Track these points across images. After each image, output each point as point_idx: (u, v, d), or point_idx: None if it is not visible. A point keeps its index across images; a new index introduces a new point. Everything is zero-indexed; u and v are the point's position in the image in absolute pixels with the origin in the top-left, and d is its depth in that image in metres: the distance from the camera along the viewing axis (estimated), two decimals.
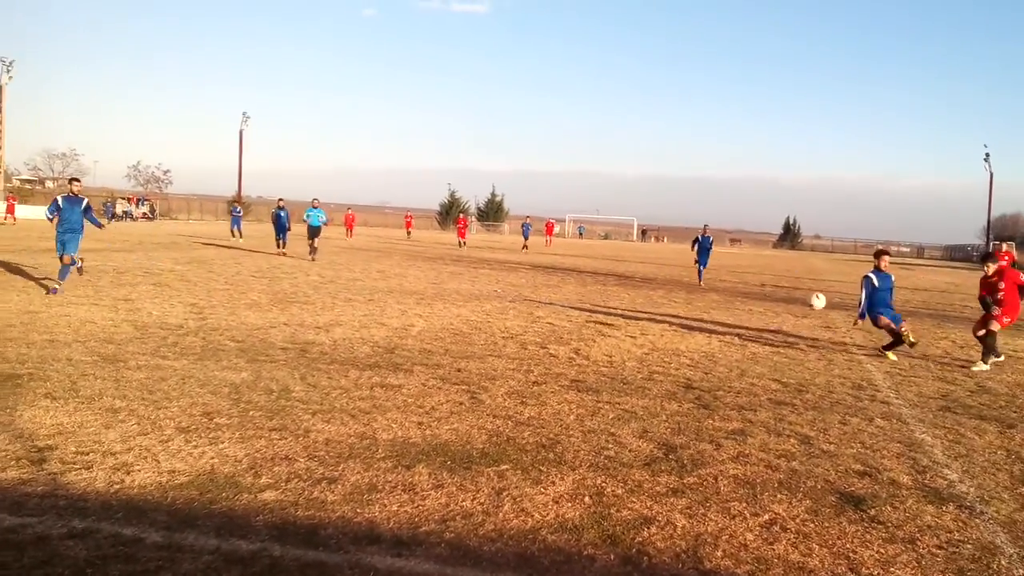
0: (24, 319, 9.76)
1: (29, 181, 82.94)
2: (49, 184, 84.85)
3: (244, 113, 73.37)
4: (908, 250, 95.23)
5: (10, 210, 42.88)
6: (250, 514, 4.07)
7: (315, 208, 24.63)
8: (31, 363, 7.28)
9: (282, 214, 26.37)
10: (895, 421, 6.78)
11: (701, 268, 23.15)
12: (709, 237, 23.40)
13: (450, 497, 4.44)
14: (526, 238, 42.47)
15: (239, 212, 35.56)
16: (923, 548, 4.08)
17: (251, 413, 5.98)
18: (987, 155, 68.19)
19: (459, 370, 8.07)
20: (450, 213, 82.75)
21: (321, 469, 4.80)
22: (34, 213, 50.47)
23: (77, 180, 14.52)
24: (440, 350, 9.20)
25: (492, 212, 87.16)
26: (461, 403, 6.64)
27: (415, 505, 4.30)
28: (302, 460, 4.95)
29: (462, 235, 41.71)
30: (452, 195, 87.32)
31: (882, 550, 4.02)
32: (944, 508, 4.67)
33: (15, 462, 4.67)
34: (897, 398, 7.78)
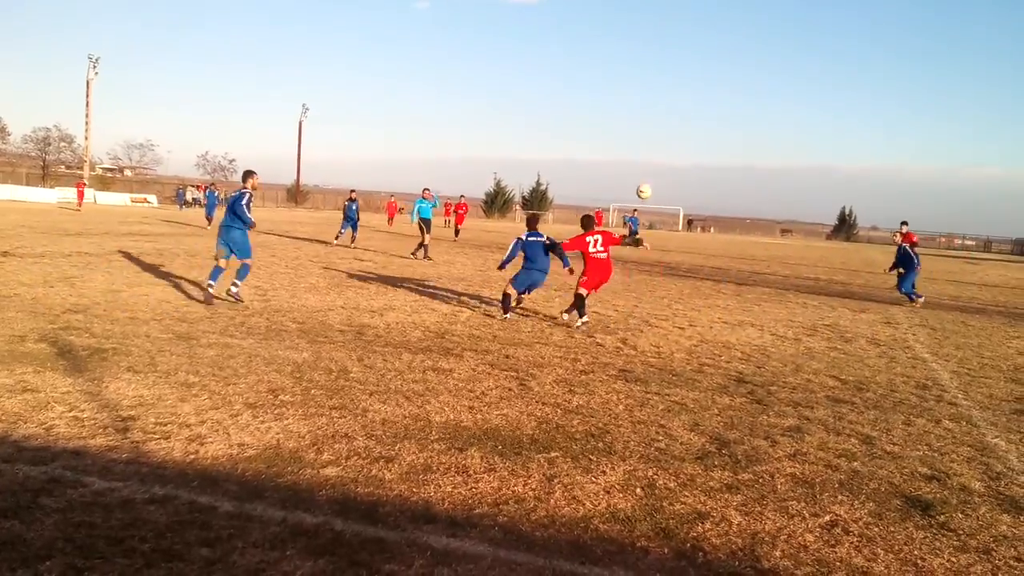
0: (108, 298, 10.20)
1: (110, 170, 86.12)
2: (128, 173, 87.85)
3: (303, 105, 74.98)
4: (974, 243, 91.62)
5: (80, 197, 43.81)
6: (313, 488, 4.17)
7: (425, 199, 21.93)
8: (115, 339, 7.62)
9: (353, 206, 24.45)
10: (964, 423, 6.53)
11: None
12: None
13: (502, 481, 4.46)
14: (635, 232, 35.65)
15: (215, 197, 30.69)
16: (999, 559, 3.91)
17: (312, 392, 6.11)
18: None
19: (507, 356, 8.09)
20: (495, 202, 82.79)
21: (379, 448, 4.88)
22: (113, 199, 52.43)
23: (253, 173, 11.34)
24: (488, 336, 9.25)
25: (537, 201, 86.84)
26: (510, 389, 6.67)
27: (468, 487, 4.33)
28: (361, 439, 5.04)
29: (460, 221, 33.49)
30: (498, 184, 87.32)
31: (953, 559, 3.87)
32: (1021, 518, 4.48)
33: (102, 430, 4.91)
34: (966, 399, 7.51)
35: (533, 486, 4.43)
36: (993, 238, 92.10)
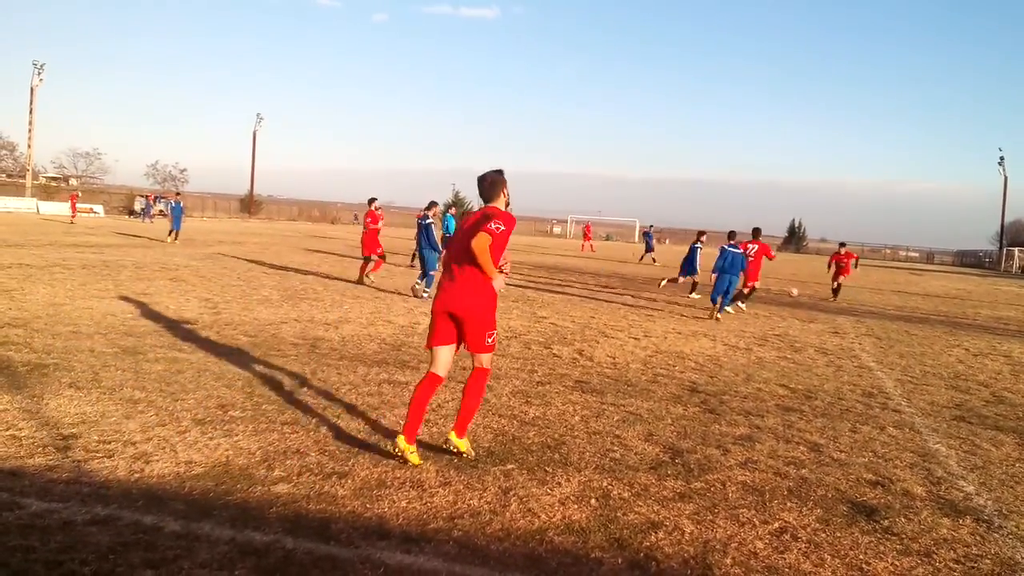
0: (49, 311, 9.87)
1: (54, 179, 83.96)
2: (73, 182, 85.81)
3: (258, 114, 74.38)
4: (917, 255, 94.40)
5: (73, 208, 42.81)
6: (264, 506, 4.09)
7: (451, 214, 18.60)
8: (56, 354, 7.37)
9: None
10: (907, 430, 6.71)
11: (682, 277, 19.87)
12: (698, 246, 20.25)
13: (457, 495, 4.43)
14: (650, 249, 36.25)
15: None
16: (939, 562, 4.01)
17: (264, 407, 6.01)
18: (1001, 159, 67.68)
19: (463, 369, 8.00)
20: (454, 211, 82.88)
21: (332, 463, 4.82)
22: (58, 209, 51.05)
23: (435, 203, 15.17)
24: None
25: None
26: None
27: (423, 502, 4.30)
28: (313, 454, 4.97)
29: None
30: (456, 195, 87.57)
31: (897, 563, 3.96)
32: (961, 521, 4.61)
33: (42, 449, 4.74)
34: (909, 406, 7.71)
35: (488, 499, 4.41)
36: (935, 250, 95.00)
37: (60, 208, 52.14)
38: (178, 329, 9.19)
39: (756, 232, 17.14)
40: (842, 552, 4.04)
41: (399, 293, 15.05)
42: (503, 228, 4.82)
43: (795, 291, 20.56)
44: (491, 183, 5.13)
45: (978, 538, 4.37)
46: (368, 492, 4.39)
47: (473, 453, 5.13)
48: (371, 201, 16.79)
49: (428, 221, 14.78)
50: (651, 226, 39.40)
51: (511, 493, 4.53)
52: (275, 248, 27.51)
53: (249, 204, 74.43)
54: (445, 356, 5.15)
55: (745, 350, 10.74)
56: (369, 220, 16.57)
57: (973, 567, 3.99)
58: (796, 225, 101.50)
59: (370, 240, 16.42)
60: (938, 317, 18.33)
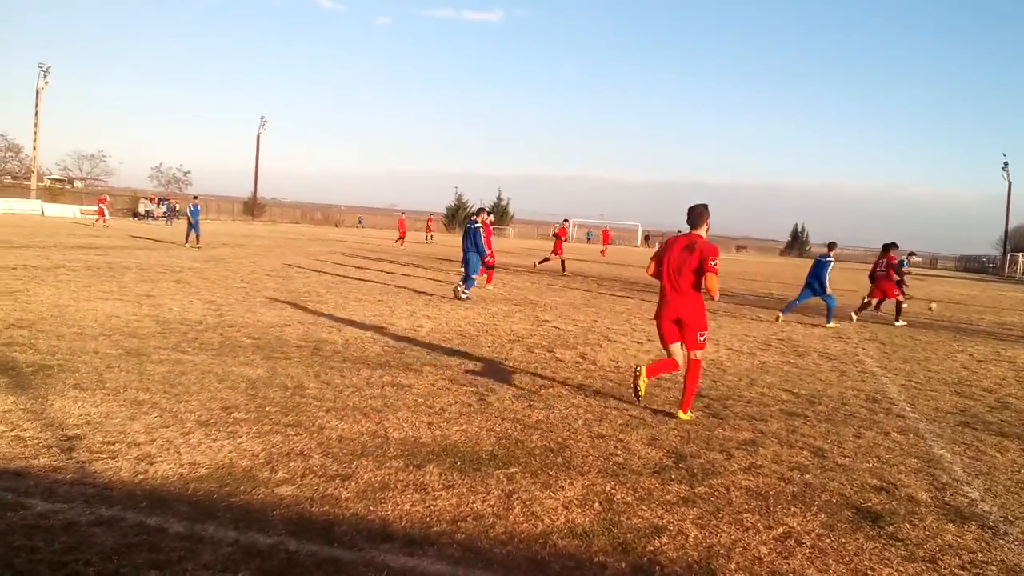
0: (54, 312, 9.93)
1: (59, 181, 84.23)
2: (77, 184, 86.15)
3: (262, 117, 74.80)
4: (921, 260, 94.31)
5: (101, 213, 41.49)
6: (267, 508, 4.09)
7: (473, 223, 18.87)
8: (61, 355, 7.41)
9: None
10: (912, 436, 6.69)
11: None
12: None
13: (461, 498, 4.43)
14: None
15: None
16: (945, 568, 3.99)
17: (267, 409, 6.01)
18: (1005, 164, 67.82)
19: (467, 371, 8.07)
20: (456, 216, 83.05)
21: (335, 466, 4.82)
22: (62, 211, 51.16)
23: (483, 210, 16.71)
24: (448, 351, 9.22)
25: (498, 216, 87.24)
26: (470, 404, 6.64)
27: (427, 505, 4.29)
28: (317, 456, 4.97)
29: (558, 249, 26.70)
30: (459, 199, 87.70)
31: (901, 568, 3.95)
32: (966, 527, 4.58)
33: (46, 450, 4.75)
34: (913, 412, 7.69)
35: (492, 503, 4.41)
36: (939, 255, 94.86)
37: (64, 210, 52.35)
38: (182, 331, 9.21)
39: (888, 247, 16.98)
40: (847, 558, 4.02)
41: (442, 296, 15.12)
42: (719, 262, 6.48)
43: (934, 305, 19.59)
44: (699, 214, 6.64)
45: (983, 544, 4.35)
46: (371, 495, 4.39)
47: (692, 418, 6.66)
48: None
49: (476, 226, 15.87)
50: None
51: (514, 496, 4.52)
52: (279, 250, 27.60)
53: (253, 207, 74.61)
54: (677, 349, 6.70)
55: (748, 354, 10.73)
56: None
57: (979, 573, 3.97)
58: (799, 229, 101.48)
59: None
60: (942, 322, 18.26)
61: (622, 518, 4.32)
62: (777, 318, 15.45)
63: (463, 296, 15.11)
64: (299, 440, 5.29)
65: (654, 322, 6.90)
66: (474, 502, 4.39)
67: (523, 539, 3.95)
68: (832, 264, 15.58)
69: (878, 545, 4.22)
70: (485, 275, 17.58)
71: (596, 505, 4.49)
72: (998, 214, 70.41)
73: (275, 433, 5.40)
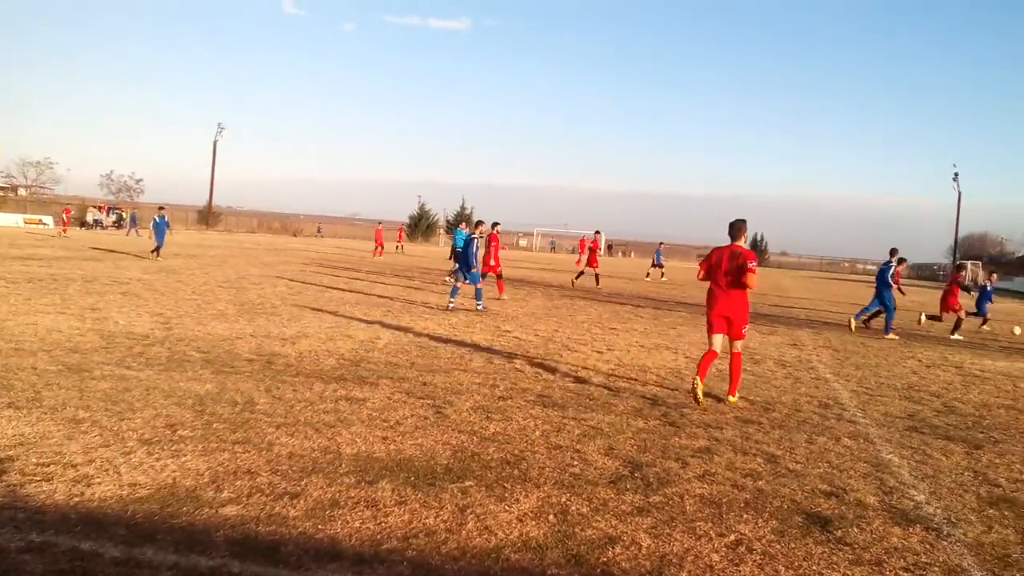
0: None
1: (2, 188, 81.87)
2: (22, 192, 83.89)
3: (219, 124, 73.80)
4: (874, 268, 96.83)
5: (65, 224, 42.15)
6: (210, 529, 4.00)
7: (462, 229, 22.44)
8: None
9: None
10: (862, 441, 6.82)
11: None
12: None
13: (413, 514, 4.38)
14: (659, 265, 36.32)
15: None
16: (890, 571, 4.08)
17: (215, 426, 5.89)
18: (956, 174, 69.71)
19: (424, 384, 8.02)
20: (418, 225, 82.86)
21: (284, 484, 4.73)
22: (4, 220, 49.72)
23: (482, 222, 17.53)
24: (406, 363, 9.15)
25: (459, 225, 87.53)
26: (426, 417, 6.60)
27: (378, 522, 4.24)
28: (265, 474, 4.88)
29: (594, 262, 26.95)
30: (422, 207, 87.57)
31: (848, 572, 4.02)
32: (911, 530, 4.69)
33: None
34: (864, 417, 7.84)
35: (445, 518, 4.37)
36: None
37: (7, 219, 50.89)
38: (127, 345, 9.00)
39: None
40: (796, 563, 4.08)
41: (467, 310, 14.98)
42: (756, 264, 7.92)
43: (1017, 330, 19.42)
44: (738, 228, 8.13)
45: (927, 546, 4.45)
46: (321, 513, 4.32)
47: (737, 400, 8.17)
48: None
49: (472, 236, 16.87)
50: (661, 243, 39.38)
51: (468, 511, 4.49)
52: (233, 261, 27.20)
53: (208, 215, 73.42)
54: (719, 340, 8.10)
55: None
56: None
57: (922, 574, 4.06)
58: (758, 239, 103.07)
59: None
60: (893, 329, 18.66)
61: (576, 529, 4.31)
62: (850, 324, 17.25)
63: (479, 308, 15.66)
64: (247, 458, 5.19)
65: (705, 318, 8.29)
66: (427, 518, 4.35)
67: (475, 554, 3.92)
68: (892, 270, 16.93)
69: (827, 550, 4.29)
70: (488, 285, 18.23)
71: (551, 517, 4.48)
72: (949, 224, 72.12)
73: (222, 451, 5.29)
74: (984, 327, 19.88)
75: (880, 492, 5.39)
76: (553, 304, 18.83)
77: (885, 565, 4.14)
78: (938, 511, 5.08)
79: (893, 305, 16.60)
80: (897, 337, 16.01)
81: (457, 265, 22.46)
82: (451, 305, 15.68)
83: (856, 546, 4.37)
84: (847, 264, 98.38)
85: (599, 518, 4.52)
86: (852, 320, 17.48)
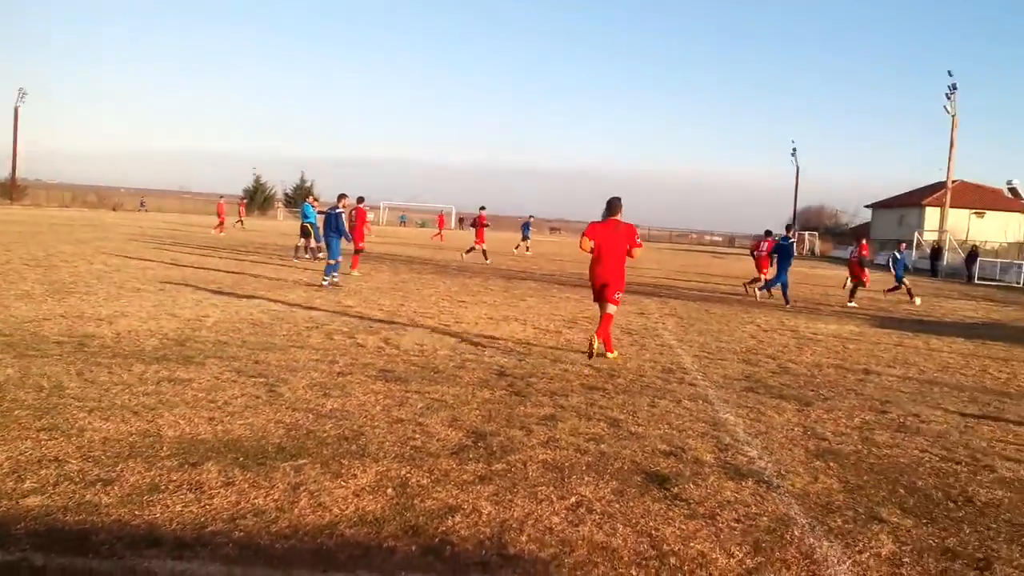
0: None
1: None
2: None
3: (20, 89, 67.91)
4: (720, 239, 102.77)
5: None
6: (10, 522, 3.73)
7: (310, 203, 23.70)
8: None
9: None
10: (701, 402, 7.26)
11: None
12: None
13: (241, 495, 4.27)
14: (526, 238, 37.24)
15: None
16: (722, 523, 4.37)
17: (16, 412, 5.47)
18: (794, 150, 75.35)
19: (257, 362, 7.79)
20: (254, 199, 79.89)
21: (96, 470, 4.48)
22: None
23: (345, 195, 17.26)
24: (237, 341, 8.84)
25: (301, 198, 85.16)
26: (258, 396, 6.42)
27: (201, 505, 4.10)
28: (75, 461, 4.59)
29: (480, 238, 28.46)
30: (257, 180, 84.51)
31: (683, 526, 4.28)
32: (743, 484, 5.03)
33: None
34: (704, 380, 8.35)
35: (276, 497, 4.29)
36: (736, 234, 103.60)
37: None
38: None
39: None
40: (634, 520, 4.31)
41: (308, 284, 14.31)
42: (639, 236, 9.25)
43: (918, 300, 20.84)
44: (616, 205, 9.13)
45: (758, 498, 4.81)
46: (138, 498, 4.13)
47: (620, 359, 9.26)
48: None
49: (339, 210, 16.64)
50: (530, 216, 39.78)
51: (301, 488, 4.43)
52: (42, 238, 25.14)
53: (11, 189, 67.31)
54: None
55: (555, 333, 11.16)
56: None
57: (752, 525, 4.39)
58: None
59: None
60: (735, 296, 19.98)
61: (415, 501, 4.35)
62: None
63: (328, 282, 15.57)
64: (54, 445, 4.86)
65: (588, 283, 9.50)
66: (256, 498, 4.25)
67: (308, 531, 3.88)
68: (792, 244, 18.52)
69: (663, 506, 4.56)
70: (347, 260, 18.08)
71: (389, 491, 4.49)
72: (789, 196, 77.62)
73: (24, 439, 4.93)
74: (897, 295, 21.65)
75: (716, 450, 5.76)
76: (400, 279, 18.74)
77: (718, 517, 4.44)
78: (769, 465, 5.50)
79: (787, 279, 18.13)
80: (789, 305, 17.48)
81: (306, 242, 22.21)
82: (326, 282, 15.60)
83: (691, 501, 4.67)
84: (695, 236, 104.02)
85: (439, 489, 4.58)
86: (756, 292, 19.01)
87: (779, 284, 17.89)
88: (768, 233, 20.24)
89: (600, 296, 9.20)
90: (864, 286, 19.65)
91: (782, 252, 18.02)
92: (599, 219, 9.25)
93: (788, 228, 19.80)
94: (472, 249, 27.83)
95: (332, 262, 16.02)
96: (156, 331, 9.14)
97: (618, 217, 9.11)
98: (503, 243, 41.17)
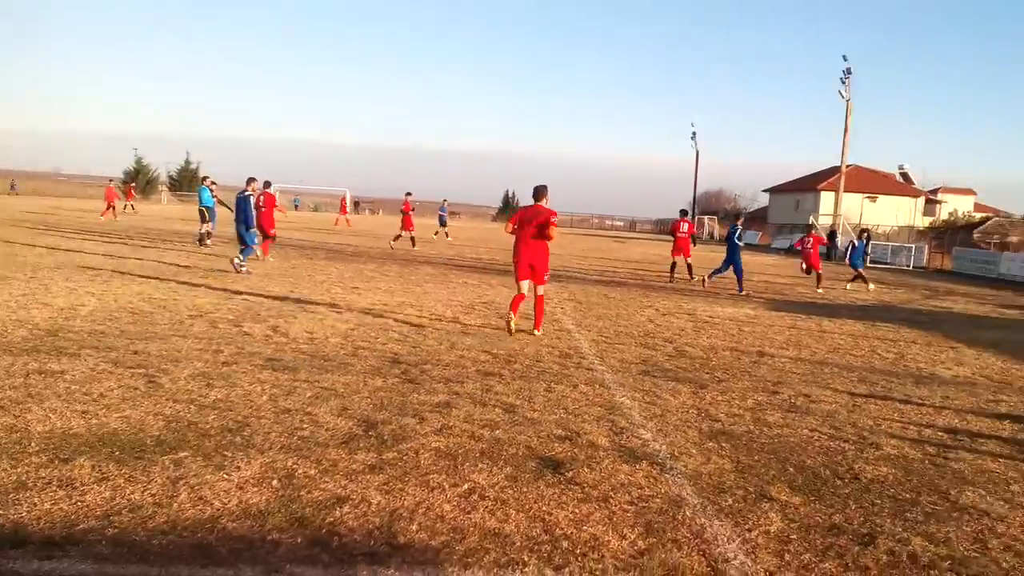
0: None
1: None
2: None
3: None
4: (622, 224, 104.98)
5: None
6: None
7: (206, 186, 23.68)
8: None
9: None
10: (598, 387, 7.47)
11: None
12: None
13: (116, 490, 4.18)
14: (443, 225, 36.99)
15: None
16: (615, 505, 4.53)
17: None
18: (694, 133, 77.19)
19: (136, 352, 7.56)
20: (136, 180, 76.69)
21: None
22: None
23: (254, 179, 16.89)
24: (115, 331, 8.55)
25: (186, 181, 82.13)
26: (136, 388, 6.26)
27: (73, 501, 4.00)
28: None
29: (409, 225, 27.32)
30: (139, 162, 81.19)
31: (576, 510, 4.42)
32: (637, 466, 5.22)
33: None
34: (601, 364, 8.58)
35: (154, 491, 4.22)
36: (637, 219, 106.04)
37: None
38: None
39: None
40: (527, 506, 4.43)
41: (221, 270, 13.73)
42: (556, 220, 10.00)
43: (872, 286, 21.96)
44: (541, 191, 10.06)
45: (651, 480, 5.01)
46: (2, 497, 3.99)
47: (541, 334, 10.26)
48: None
49: (246, 194, 16.43)
50: (444, 200, 39.05)
51: (181, 482, 4.37)
52: None
53: None
54: (526, 285, 10.16)
55: (452, 319, 11.23)
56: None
57: (644, 506, 4.57)
58: (511, 195, 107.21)
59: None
60: (635, 281, 20.52)
61: (302, 493, 4.36)
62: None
63: (241, 269, 15.33)
64: None
65: (512, 264, 10.40)
66: (132, 493, 4.17)
67: (188, 526, 3.84)
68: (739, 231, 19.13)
69: (557, 491, 4.70)
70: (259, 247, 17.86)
71: (274, 482, 4.48)
72: (689, 180, 79.73)
73: None
74: (855, 284, 22.30)
75: (611, 433, 5.96)
76: (289, 264, 18.40)
77: (611, 500, 4.61)
78: (663, 447, 5.72)
79: (741, 265, 18.80)
80: (747, 293, 18.21)
81: (208, 228, 21.63)
82: (244, 268, 15.42)
83: (585, 485, 4.83)
84: (596, 220, 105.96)
85: (327, 479, 4.59)
86: (705, 279, 19.29)
87: (730, 268, 18.69)
88: (684, 213, 21.10)
89: (526, 277, 10.09)
90: (815, 272, 20.79)
91: (731, 240, 18.97)
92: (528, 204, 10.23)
93: (737, 217, 21.23)
94: (399, 236, 27.24)
95: (244, 247, 15.92)
96: (25, 321, 8.74)
97: (543, 203, 10.02)
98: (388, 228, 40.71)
